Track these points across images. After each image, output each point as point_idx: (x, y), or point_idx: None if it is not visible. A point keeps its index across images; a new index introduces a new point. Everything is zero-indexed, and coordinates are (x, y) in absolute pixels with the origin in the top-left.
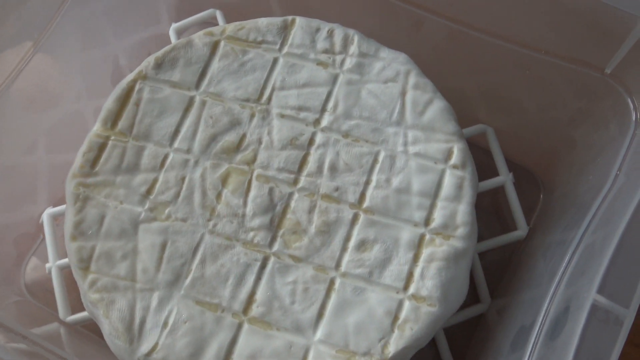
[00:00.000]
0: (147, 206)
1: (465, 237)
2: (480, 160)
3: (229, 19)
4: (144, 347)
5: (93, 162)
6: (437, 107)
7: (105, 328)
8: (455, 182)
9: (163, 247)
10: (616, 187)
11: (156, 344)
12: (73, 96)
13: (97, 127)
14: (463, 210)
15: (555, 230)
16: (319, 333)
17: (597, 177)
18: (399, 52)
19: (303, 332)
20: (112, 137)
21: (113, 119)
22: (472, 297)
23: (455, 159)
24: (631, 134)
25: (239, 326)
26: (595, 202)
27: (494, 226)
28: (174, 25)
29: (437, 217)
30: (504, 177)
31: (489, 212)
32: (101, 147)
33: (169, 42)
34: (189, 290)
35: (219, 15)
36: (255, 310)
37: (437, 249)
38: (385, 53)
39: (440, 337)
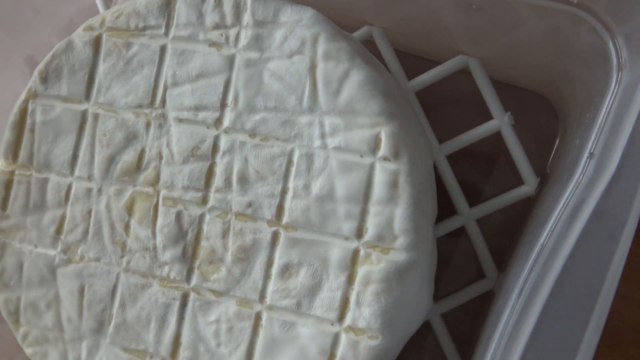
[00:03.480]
0: (59, 248)
1: (407, 247)
2: (475, 93)
3: None
4: None
5: (2, 203)
6: (355, 80)
7: None
8: (387, 179)
9: (81, 292)
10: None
11: None
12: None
13: (0, 163)
14: (401, 215)
15: (563, 187)
16: None
17: (580, 146)
18: (305, 8)
19: None
20: (17, 172)
21: (13, 151)
22: (476, 271)
23: (384, 148)
24: (613, 85)
25: None
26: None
27: (500, 177)
28: None
29: (370, 226)
30: (498, 121)
31: (490, 160)
32: (7, 185)
33: (98, 12)
34: (115, 337)
35: None
36: (182, 354)
37: (373, 268)
38: (287, 15)
39: (437, 324)
